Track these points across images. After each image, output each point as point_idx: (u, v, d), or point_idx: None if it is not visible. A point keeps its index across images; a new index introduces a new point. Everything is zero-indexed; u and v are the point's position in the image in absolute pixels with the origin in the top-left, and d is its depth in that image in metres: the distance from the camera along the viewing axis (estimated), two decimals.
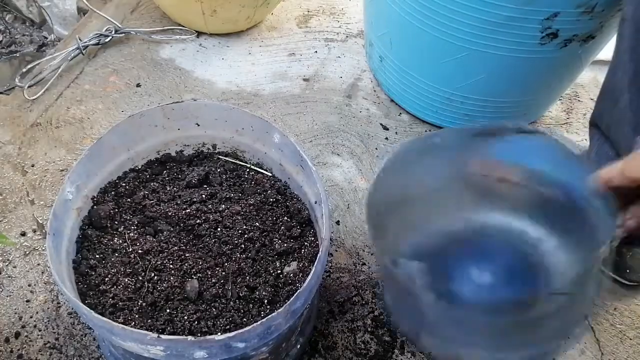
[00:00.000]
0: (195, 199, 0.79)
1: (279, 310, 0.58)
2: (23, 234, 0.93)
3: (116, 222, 0.77)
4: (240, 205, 0.79)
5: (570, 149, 0.81)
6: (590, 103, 1.31)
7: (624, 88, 0.79)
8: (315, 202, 0.75)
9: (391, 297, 0.75)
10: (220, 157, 0.87)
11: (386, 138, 1.17)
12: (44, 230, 0.94)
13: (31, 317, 0.83)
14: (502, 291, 0.81)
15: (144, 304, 0.67)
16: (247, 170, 0.86)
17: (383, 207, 0.82)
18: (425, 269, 0.86)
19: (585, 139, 0.88)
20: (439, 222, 0.92)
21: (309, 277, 0.61)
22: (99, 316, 0.56)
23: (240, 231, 0.75)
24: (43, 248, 0.91)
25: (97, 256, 0.72)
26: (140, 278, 0.70)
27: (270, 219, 0.78)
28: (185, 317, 0.66)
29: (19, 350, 0.80)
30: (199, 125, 0.84)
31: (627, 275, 0.93)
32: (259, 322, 0.57)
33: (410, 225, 0.90)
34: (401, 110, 1.24)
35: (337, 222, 1.00)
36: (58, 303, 0.85)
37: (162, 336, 0.55)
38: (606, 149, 0.87)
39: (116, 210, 0.78)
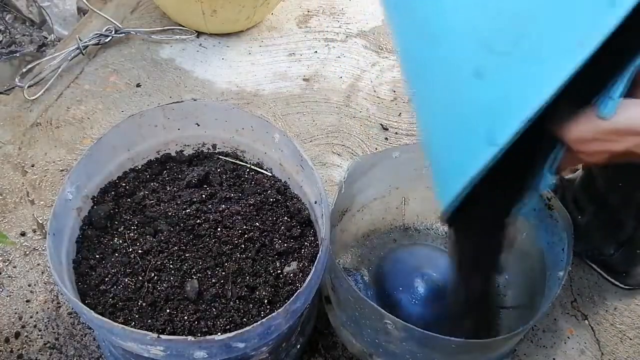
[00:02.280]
0: (195, 199, 0.79)
1: (279, 310, 0.58)
2: (23, 234, 0.93)
3: (116, 222, 0.77)
4: (240, 205, 0.79)
5: None
6: None
7: None
8: (315, 202, 0.75)
9: (344, 315, 0.76)
10: (220, 157, 0.87)
11: (386, 138, 1.17)
12: (44, 230, 0.94)
13: (31, 317, 0.83)
14: (443, 302, 0.82)
15: (144, 304, 0.67)
16: (247, 170, 0.86)
17: (337, 219, 0.83)
18: (368, 280, 0.87)
19: None
20: (380, 230, 0.94)
21: (309, 277, 0.61)
22: (99, 316, 0.56)
23: (240, 231, 0.75)
24: (43, 248, 0.91)
25: (97, 256, 0.72)
26: (140, 278, 0.70)
27: (270, 219, 0.78)
28: (185, 317, 0.66)
29: (19, 350, 0.80)
30: (199, 125, 0.84)
31: (625, 280, 0.93)
32: (259, 322, 0.57)
33: (354, 235, 0.91)
34: (401, 110, 1.24)
35: None
36: (58, 303, 0.85)
37: (162, 336, 0.55)
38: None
39: (116, 210, 0.78)
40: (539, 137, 0.47)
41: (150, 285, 0.69)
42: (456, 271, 0.70)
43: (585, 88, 0.43)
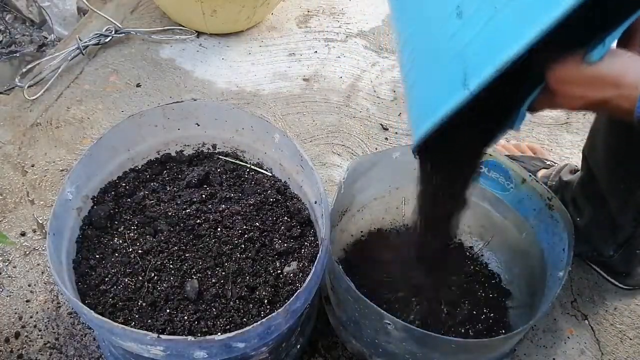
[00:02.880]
0: (195, 199, 0.79)
1: (279, 310, 0.58)
2: (23, 234, 0.93)
3: (116, 222, 0.77)
4: (240, 205, 0.79)
5: (519, 171, 0.82)
6: None
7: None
8: (315, 202, 0.75)
9: (344, 315, 0.76)
10: (220, 157, 0.87)
11: (386, 138, 1.17)
12: (44, 230, 0.94)
13: (31, 317, 0.83)
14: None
15: (144, 304, 0.67)
16: (247, 170, 0.86)
17: (337, 219, 0.83)
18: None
19: (584, 139, 0.87)
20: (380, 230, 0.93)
21: (309, 277, 0.61)
22: (99, 316, 0.56)
23: (240, 231, 0.75)
24: (43, 248, 0.91)
25: (97, 256, 0.72)
26: (140, 278, 0.70)
27: (270, 219, 0.78)
28: (185, 317, 0.66)
29: (19, 350, 0.80)
30: (199, 125, 0.84)
31: (625, 280, 0.93)
32: (259, 322, 0.57)
33: (352, 235, 0.91)
34: (401, 110, 1.24)
35: None
36: (58, 303, 0.85)
37: (162, 336, 0.55)
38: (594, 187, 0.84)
39: (116, 210, 0.78)
40: (521, 74, 0.46)
41: (150, 285, 0.69)
42: (421, 203, 0.69)
43: (579, 30, 0.41)
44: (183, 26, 1.37)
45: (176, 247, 0.73)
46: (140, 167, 0.84)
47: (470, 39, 0.45)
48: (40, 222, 0.95)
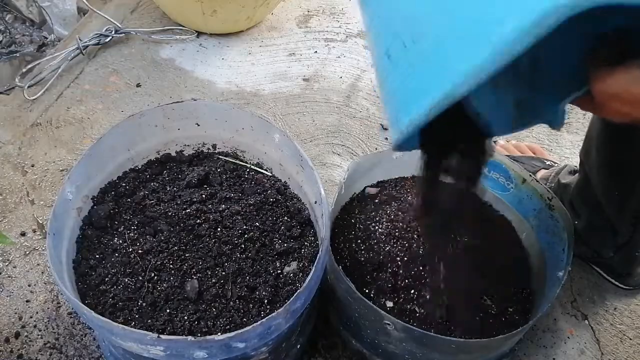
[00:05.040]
0: (195, 199, 0.79)
1: (279, 310, 0.58)
2: (23, 234, 0.93)
3: (116, 222, 0.77)
4: (240, 205, 0.79)
5: (517, 169, 0.82)
6: None
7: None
8: (315, 202, 0.75)
9: (344, 315, 0.76)
10: (220, 157, 0.87)
11: (386, 138, 1.17)
12: (44, 230, 0.94)
13: (31, 317, 0.83)
14: None
15: (144, 304, 0.67)
16: (247, 170, 0.86)
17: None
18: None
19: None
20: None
21: (309, 277, 0.61)
22: (99, 316, 0.56)
23: (240, 231, 0.75)
24: (43, 248, 0.91)
25: (97, 256, 0.72)
26: (140, 278, 0.70)
27: (270, 219, 0.78)
28: (185, 317, 0.66)
29: (19, 350, 0.80)
30: (199, 125, 0.84)
31: (625, 280, 0.93)
32: (259, 322, 0.57)
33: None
34: None
35: None
36: (58, 303, 0.85)
37: (162, 336, 0.55)
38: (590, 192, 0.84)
39: (116, 210, 0.78)
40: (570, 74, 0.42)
41: (150, 285, 0.69)
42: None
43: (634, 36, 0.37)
44: (183, 26, 1.37)
45: (176, 247, 0.73)
46: (140, 167, 0.84)
47: (398, 84, 0.43)
48: (40, 222, 0.95)
